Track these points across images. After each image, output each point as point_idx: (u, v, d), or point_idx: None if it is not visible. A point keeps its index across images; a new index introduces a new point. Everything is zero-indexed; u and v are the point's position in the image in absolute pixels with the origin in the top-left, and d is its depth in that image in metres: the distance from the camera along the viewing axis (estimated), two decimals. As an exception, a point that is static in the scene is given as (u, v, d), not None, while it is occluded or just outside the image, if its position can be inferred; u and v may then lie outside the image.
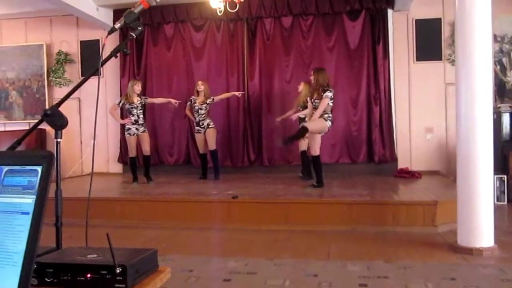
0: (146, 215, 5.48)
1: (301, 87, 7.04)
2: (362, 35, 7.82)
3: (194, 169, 8.07)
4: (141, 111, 6.99)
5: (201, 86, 7.28)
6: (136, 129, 6.95)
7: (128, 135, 6.99)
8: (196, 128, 7.32)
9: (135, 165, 7.19)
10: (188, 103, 7.45)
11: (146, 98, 7.21)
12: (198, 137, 7.36)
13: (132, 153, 7.10)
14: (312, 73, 6.39)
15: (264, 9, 7.98)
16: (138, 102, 6.96)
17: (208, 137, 7.26)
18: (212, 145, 7.25)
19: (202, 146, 7.35)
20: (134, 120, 6.94)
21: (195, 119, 7.30)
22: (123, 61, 8.49)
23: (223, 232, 5.07)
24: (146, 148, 7.09)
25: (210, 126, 7.26)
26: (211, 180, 7.21)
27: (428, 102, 7.75)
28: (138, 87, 7.01)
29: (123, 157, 8.60)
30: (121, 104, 7.02)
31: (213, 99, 7.30)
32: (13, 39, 9.04)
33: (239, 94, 7.50)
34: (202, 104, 7.23)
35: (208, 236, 4.99)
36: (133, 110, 6.92)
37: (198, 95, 7.30)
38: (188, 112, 7.53)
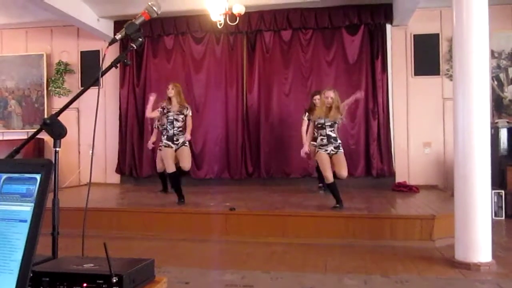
0: (143, 226, 5.45)
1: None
2: (361, 49, 7.88)
3: (193, 180, 8.06)
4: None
5: (171, 91, 6.04)
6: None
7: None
8: (166, 142, 6.04)
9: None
10: (159, 109, 6.14)
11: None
12: (167, 152, 6.02)
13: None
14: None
15: (263, 23, 8.04)
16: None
17: (184, 157, 6.04)
18: (188, 166, 6.10)
19: (168, 163, 5.99)
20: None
21: (168, 132, 6.02)
22: (122, 72, 8.52)
23: (220, 244, 5.04)
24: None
25: (186, 145, 6.08)
26: (209, 192, 7.18)
27: (426, 117, 7.78)
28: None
29: (121, 167, 8.60)
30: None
31: (189, 111, 6.12)
32: (14, 49, 9.07)
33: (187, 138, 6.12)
34: (178, 115, 6.03)
35: (205, 248, 4.96)
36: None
37: (170, 102, 6.08)
38: (151, 115, 6.32)
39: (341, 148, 5.74)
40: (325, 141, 5.69)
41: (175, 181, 6.15)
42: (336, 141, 5.71)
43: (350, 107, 7.87)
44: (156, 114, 6.25)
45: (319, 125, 5.75)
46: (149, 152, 8.28)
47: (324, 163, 5.64)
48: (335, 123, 5.73)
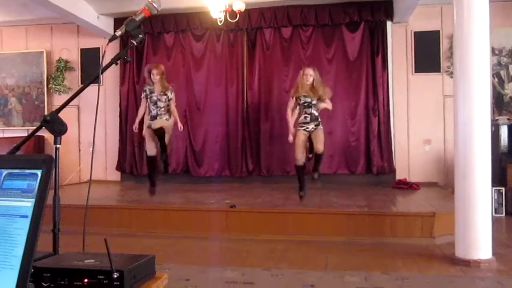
0: (143, 224, 5.46)
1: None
2: (361, 46, 7.87)
3: (193, 178, 8.06)
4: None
5: (156, 76, 6.09)
6: None
7: None
8: (149, 122, 6.13)
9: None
10: (143, 95, 6.26)
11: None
12: (149, 133, 6.12)
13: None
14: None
15: (264, 20, 8.03)
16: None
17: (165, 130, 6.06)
18: (165, 141, 6.07)
19: (150, 145, 6.13)
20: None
21: (151, 112, 6.12)
22: (123, 70, 8.51)
23: (221, 242, 5.05)
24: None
25: (167, 119, 6.15)
26: (209, 189, 7.18)
27: (426, 114, 7.78)
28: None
29: (121, 165, 8.59)
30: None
31: (173, 94, 6.22)
32: (14, 46, 9.06)
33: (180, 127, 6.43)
34: (161, 95, 6.10)
35: (206, 245, 4.97)
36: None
37: (153, 84, 6.15)
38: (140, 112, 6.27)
39: (321, 125, 5.82)
40: (308, 119, 5.78)
41: (150, 166, 6.22)
42: (317, 119, 5.81)
43: (350, 105, 7.89)
44: (143, 110, 6.27)
45: (306, 104, 5.79)
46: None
47: (299, 144, 5.74)
48: (321, 102, 5.82)
